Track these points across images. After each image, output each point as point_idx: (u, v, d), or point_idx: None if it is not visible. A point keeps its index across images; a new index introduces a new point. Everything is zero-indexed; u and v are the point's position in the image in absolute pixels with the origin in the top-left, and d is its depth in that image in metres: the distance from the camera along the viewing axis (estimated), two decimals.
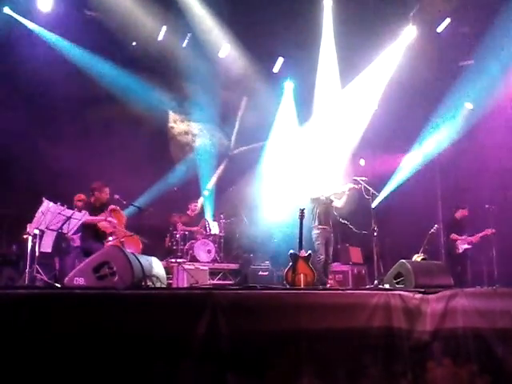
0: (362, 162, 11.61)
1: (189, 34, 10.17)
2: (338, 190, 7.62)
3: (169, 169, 10.63)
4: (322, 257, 7.40)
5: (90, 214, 6.62)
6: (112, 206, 7.08)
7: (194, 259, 8.82)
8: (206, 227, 9.63)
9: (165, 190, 9.77)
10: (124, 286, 4.36)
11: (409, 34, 10.24)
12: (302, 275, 6.86)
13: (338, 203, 7.64)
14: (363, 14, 9.30)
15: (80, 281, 4.68)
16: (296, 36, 9.86)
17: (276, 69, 11.35)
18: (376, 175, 9.64)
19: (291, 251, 7.12)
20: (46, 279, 6.11)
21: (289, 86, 11.86)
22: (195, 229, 9.45)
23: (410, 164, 11.69)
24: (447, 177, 11.40)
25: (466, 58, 10.53)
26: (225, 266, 9.30)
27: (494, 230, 8.48)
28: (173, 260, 8.09)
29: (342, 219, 8.50)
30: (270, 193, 11.67)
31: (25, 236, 6.20)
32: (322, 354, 3.91)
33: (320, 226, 7.55)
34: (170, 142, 11.13)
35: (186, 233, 9.13)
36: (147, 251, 6.75)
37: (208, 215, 10.42)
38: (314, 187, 7.80)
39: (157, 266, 5.40)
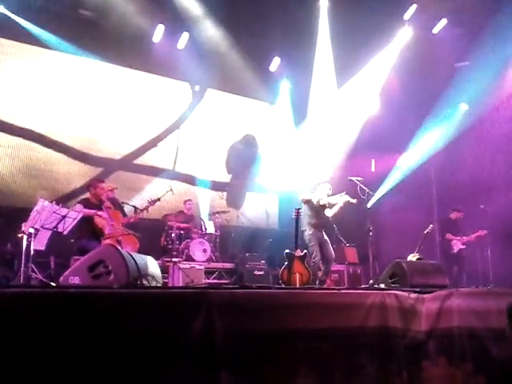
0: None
1: (185, 34, 10.15)
2: (333, 200, 7.55)
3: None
4: (316, 258, 7.34)
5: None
6: (108, 204, 7.12)
7: (189, 258, 8.81)
8: (201, 226, 9.61)
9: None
10: (119, 285, 4.35)
11: (405, 35, 10.27)
12: (297, 275, 6.87)
13: (329, 212, 7.54)
14: (359, 14, 9.31)
15: (75, 280, 4.67)
16: (292, 36, 9.87)
17: (273, 68, 11.35)
18: (371, 175, 9.68)
19: (287, 251, 7.13)
20: (41, 278, 6.09)
21: (285, 85, 11.87)
22: (188, 226, 9.41)
23: (405, 164, 11.73)
24: (443, 177, 11.44)
25: (461, 58, 10.56)
26: (220, 265, 9.29)
27: (486, 231, 8.51)
28: (168, 259, 8.08)
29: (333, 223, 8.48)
30: (264, 191, 11.69)
31: (20, 235, 6.17)
32: (318, 354, 3.91)
33: (311, 228, 7.47)
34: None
35: (182, 232, 9.12)
36: (142, 250, 6.74)
37: (204, 214, 10.40)
38: (306, 189, 7.75)
39: (152, 265, 5.39)
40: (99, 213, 6.82)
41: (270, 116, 12.17)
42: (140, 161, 10.25)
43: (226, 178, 11.33)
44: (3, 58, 9.05)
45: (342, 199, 7.43)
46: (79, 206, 6.64)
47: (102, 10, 9.25)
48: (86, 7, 9.27)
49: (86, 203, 6.93)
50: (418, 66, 10.40)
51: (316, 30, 10.58)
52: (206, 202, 10.77)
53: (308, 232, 7.44)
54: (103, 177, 9.37)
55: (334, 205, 7.51)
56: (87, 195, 7.30)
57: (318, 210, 7.52)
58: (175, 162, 10.70)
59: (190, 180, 10.77)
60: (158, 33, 9.89)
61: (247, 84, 11.05)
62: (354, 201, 7.28)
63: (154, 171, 10.35)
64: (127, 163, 10.08)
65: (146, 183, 10.14)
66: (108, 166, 9.80)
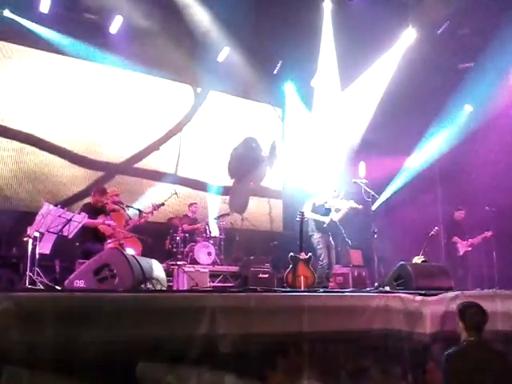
0: (362, 166, 11.57)
1: (188, 37, 10.16)
2: (339, 205, 7.51)
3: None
4: (324, 261, 7.34)
5: (90, 216, 6.69)
6: (112, 206, 7.14)
7: (194, 262, 8.80)
8: (206, 229, 9.61)
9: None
10: (124, 289, 4.35)
11: (408, 36, 10.25)
12: (302, 277, 6.87)
13: (335, 216, 7.52)
14: (363, 16, 9.31)
15: (80, 283, 4.68)
16: (296, 38, 9.87)
17: (276, 70, 11.33)
18: (376, 177, 9.65)
19: (291, 253, 7.13)
20: (46, 282, 6.10)
21: (289, 87, 11.85)
22: (197, 226, 9.42)
23: (410, 166, 11.70)
24: (447, 179, 11.40)
25: (466, 60, 10.54)
26: (225, 268, 9.27)
27: (491, 233, 8.46)
28: (173, 262, 8.08)
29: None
30: (268, 194, 11.68)
31: (25, 239, 6.18)
32: (323, 357, 3.90)
33: (319, 231, 7.46)
34: None
35: (187, 235, 9.12)
36: (147, 253, 6.74)
37: (208, 217, 10.38)
38: (311, 198, 7.73)
39: (157, 269, 5.39)
40: (100, 221, 6.84)
41: (273, 119, 12.15)
42: (142, 164, 10.22)
43: (228, 181, 11.30)
44: (7, 61, 9.09)
45: (347, 204, 7.41)
46: (83, 215, 6.60)
47: (105, 12, 9.27)
48: (90, 11, 9.29)
49: (90, 208, 6.94)
50: (421, 68, 10.38)
51: (320, 32, 10.56)
52: (209, 205, 10.76)
53: (316, 235, 7.44)
54: (105, 181, 9.40)
55: (339, 209, 7.50)
56: (90, 199, 7.30)
57: (324, 213, 7.51)
58: (177, 165, 10.68)
59: (191, 183, 10.74)
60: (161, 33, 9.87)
61: (250, 86, 11.04)
62: (360, 206, 7.27)
63: (156, 175, 10.31)
64: (129, 167, 10.07)
65: (149, 187, 10.12)
66: (110, 170, 9.80)
